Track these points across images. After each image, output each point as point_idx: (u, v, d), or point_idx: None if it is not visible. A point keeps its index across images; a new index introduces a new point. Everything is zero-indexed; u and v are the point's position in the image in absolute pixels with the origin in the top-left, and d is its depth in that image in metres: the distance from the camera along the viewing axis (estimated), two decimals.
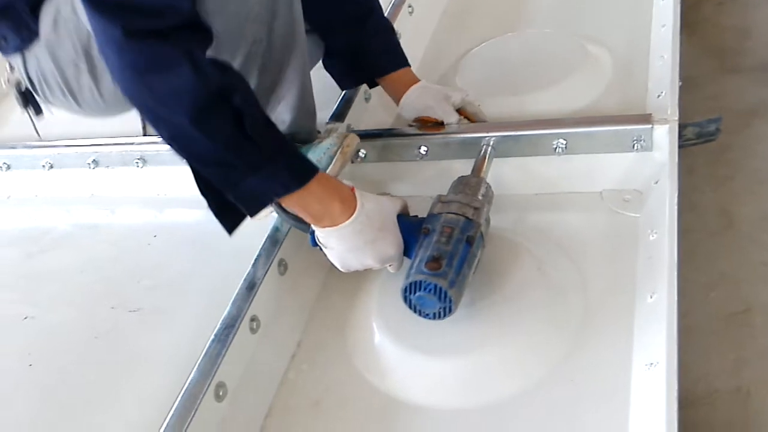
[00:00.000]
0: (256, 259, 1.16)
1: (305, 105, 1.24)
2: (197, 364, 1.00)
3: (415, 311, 1.01)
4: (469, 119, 1.34)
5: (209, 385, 0.97)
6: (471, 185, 1.14)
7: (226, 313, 1.07)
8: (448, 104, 1.31)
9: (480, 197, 1.11)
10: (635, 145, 1.19)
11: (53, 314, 1.35)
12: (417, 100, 1.33)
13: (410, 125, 1.36)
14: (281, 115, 1.22)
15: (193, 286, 1.33)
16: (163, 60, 0.92)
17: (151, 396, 1.12)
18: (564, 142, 1.22)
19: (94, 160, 1.55)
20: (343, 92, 1.48)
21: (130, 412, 1.12)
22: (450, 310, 0.99)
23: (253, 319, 1.08)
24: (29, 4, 1.17)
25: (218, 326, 1.05)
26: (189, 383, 0.97)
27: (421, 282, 0.98)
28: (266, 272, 1.13)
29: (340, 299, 1.19)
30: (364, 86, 1.48)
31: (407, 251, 1.08)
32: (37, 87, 1.27)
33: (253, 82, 1.16)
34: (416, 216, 1.13)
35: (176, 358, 1.14)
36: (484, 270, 1.08)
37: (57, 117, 1.35)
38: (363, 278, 1.20)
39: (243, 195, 0.99)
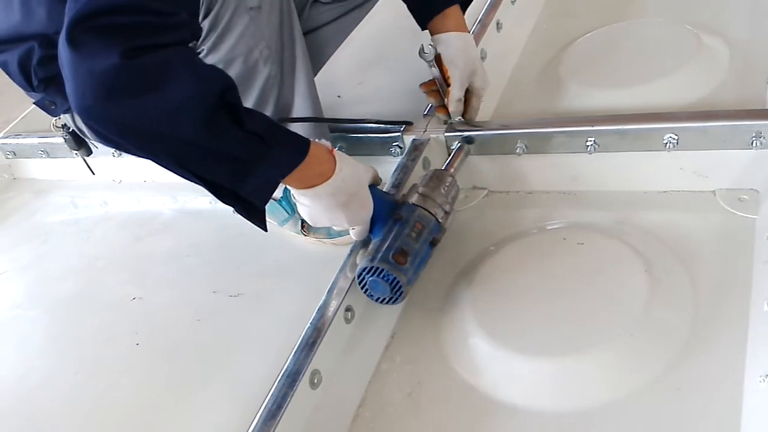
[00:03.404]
0: (351, 250, 1.17)
1: (316, 114, 1.28)
2: (294, 351, 1.02)
3: (362, 289, 1.08)
4: (467, 104, 1.31)
5: (305, 372, 0.98)
6: (446, 184, 1.18)
7: (322, 302, 1.08)
8: (468, 79, 1.29)
9: (450, 200, 1.17)
10: (753, 142, 1.11)
11: (159, 296, 1.41)
12: (451, 50, 1.28)
13: (423, 55, 1.27)
14: (296, 129, 1.23)
15: (291, 273, 1.35)
16: (164, 74, 0.88)
17: (249, 379, 1.15)
18: (675, 137, 1.15)
19: None
20: None
21: (229, 394, 1.15)
22: (396, 302, 1.08)
23: (348, 309, 1.09)
24: None
25: (314, 314, 1.06)
26: (285, 369, 0.99)
27: (383, 270, 1.05)
28: (357, 254, 1.14)
29: (434, 292, 1.18)
30: None
31: (372, 224, 1.12)
32: (88, 135, 1.36)
33: (269, 110, 1.21)
34: (388, 193, 1.18)
35: (274, 344, 1.17)
36: (588, 269, 1.05)
37: None
38: (457, 271, 1.19)
39: (255, 186, 0.99)
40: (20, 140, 1.90)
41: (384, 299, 1.09)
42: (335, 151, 1.08)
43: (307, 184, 1.05)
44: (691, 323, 0.98)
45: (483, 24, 1.60)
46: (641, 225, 1.16)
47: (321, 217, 1.10)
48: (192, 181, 0.98)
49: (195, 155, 0.94)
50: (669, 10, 1.62)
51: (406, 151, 1.35)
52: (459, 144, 1.32)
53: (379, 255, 1.07)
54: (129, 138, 0.92)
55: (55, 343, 1.41)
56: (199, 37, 1.03)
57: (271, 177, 1.00)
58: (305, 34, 1.41)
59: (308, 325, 1.05)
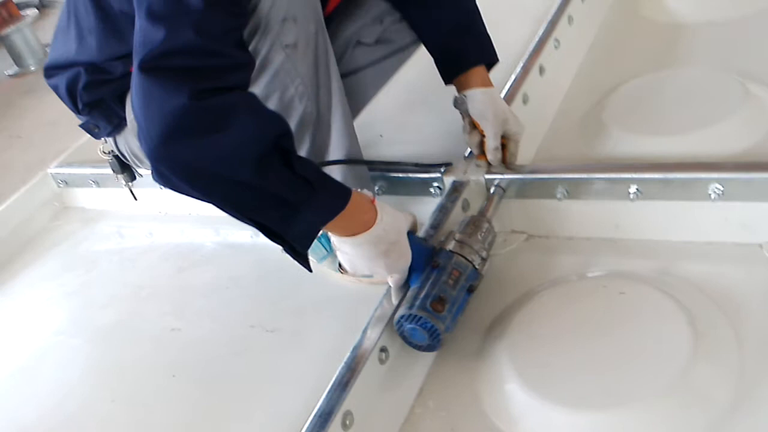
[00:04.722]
0: (387, 291, 1.17)
1: (353, 152, 1.29)
2: (327, 391, 1.01)
3: (401, 335, 1.09)
4: (505, 151, 1.33)
5: (337, 412, 0.98)
6: (482, 230, 1.18)
7: (356, 341, 1.08)
8: (501, 128, 1.32)
9: (487, 246, 1.17)
10: None
11: (198, 328, 1.43)
12: (479, 104, 1.33)
13: (458, 102, 1.35)
14: (334, 169, 1.27)
15: (328, 310, 1.36)
16: (228, 116, 0.91)
17: (282, 416, 1.15)
18: (720, 187, 1.13)
19: None
20: None
21: (261, 430, 1.15)
22: (434, 350, 1.09)
23: (383, 350, 1.08)
24: (117, 94, 1.28)
25: (349, 354, 1.06)
26: (318, 409, 0.99)
27: (422, 318, 1.05)
28: (398, 305, 1.13)
29: (470, 337, 1.17)
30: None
31: (410, 271, 1.13)
32: (129, 159, 1.41)
33: (305, 147, 1.23)
34: (424, 239, 1.20)
35: (308, 381, 1.18)
36: (628, 320, 1.03)
37: None
38: (494, 316, 1.18)
39: (298, 230, 1.01)
40: (72, 170, 1.97)
41: (422, 346, 1.09)
42: (376, 201, 1.10)
43: (348, 232, 1.07)
44: (736, 382, 0.95)
45: (526, 68, 1.60)
46: (684, 276, 1.14)
47: (361, 265, 1.11)
48: (245, 222, 1.02)
49: (247, 198, 0.97)
50: (715, 58, 1.62)
51: (445, 193, 1.36)
52: (494, 189, 1.33)
53: (417, 303, 1.07)
54: (189, 178, 0.95)
55: (94, 370, 1.44)
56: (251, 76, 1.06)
57: (314, 222, 1.02)
58: (347, 74, 1.45)
59: (342, 364, 1.05)
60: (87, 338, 1.53)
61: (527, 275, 1.26)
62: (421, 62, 1.92)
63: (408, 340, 1.09)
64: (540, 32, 1.71)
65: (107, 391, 1.36)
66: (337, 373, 1.04)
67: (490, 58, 1.38)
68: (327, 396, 1.00)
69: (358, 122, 1.57)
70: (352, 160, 1.30)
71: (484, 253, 1.16)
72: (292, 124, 1.21)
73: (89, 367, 1.45)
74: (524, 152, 1.49)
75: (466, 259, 1.13)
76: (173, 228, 1.80)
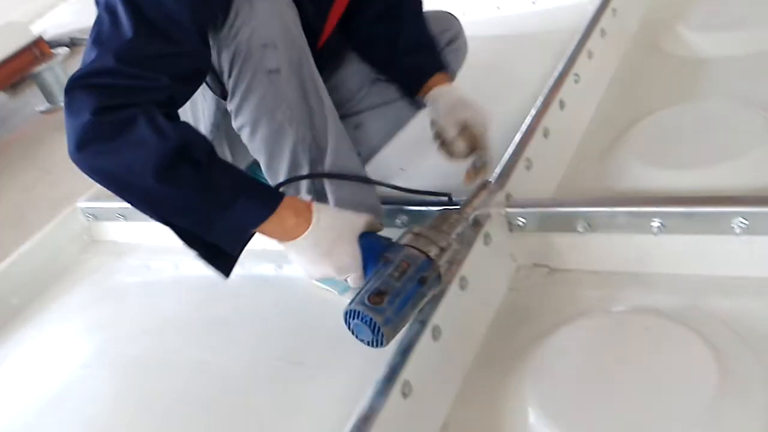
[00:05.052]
0: (410, 324, 1.18)
1: (357, 185, 1.32)
2: (350, 425, 1.02)
3: (353, 334, 1.08)
4: (473, 140, 1.35)
5: None
6: (449, 221, 1.15)
7: (380, 375, 1.09)
8: (453, 116, 1.35)
9: (453, 236, 1.12)
10: None
11: (223, 361, 1.44)
12: (434, 104, 1.39)
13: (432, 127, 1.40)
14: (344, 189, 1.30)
15: (352, 342, 1.35)
16: (127, 128, 0.99)
17: None
18: (744, 221, 1.13)
19: None
20: (503, 160, 1.47)
21: None
22: (381, 344, 1.05)
23: (405, 384, 1.09)
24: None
25: (372, 388, 1.07)
26: None
27: (359, 312, 1.04)
28: (419, 337, 1.14)
29: (492, 372, 1.17)
30: (525, 153, 1.48)
31: (365, 269, 1.13)
32: None
33: (305, 172, 1.27)
34: (388, 239, 1.16)
35: (332, 415, 1.18)
36: (653, 356, 1.02)
37: None
38: (516, 352, 1.18)
39: (220, 233, 1.08)
40: (100, 204, 2.01)
41: (369, 341, 1.07)
42: (314, 203, 1.14)
43: (287, 237, 1.11)
44: (763, 419, 0.94)
45: (546, 103, 1.61)
46: (710, 311, 1.13)
47: (311, 269, 1.15)
48: (165, 224, 1.10)
49: (160, 202, 1.05)
50: (736, 91, 1.62)
51: (466, 227, 1.36)
52: (485, 183, 1.30)
53: (356, 298, 1.07)
54: (104, 183, 1.05)
55: (121, 402, 1.45)
56: (179, 99, 1.12)
57: (240, 226, 1.08)
58: (370, 109, 1.48)
59: (365, 399, 1.05)
60: (114, 370, 1.55)
61: (550, 309, 1.26)
62: None
63: (358, 338, 1.09)
64: (560, 67, 1.72)
65: (134, 424, 1.37)
66: (361, 406, 1.04)
67: (445, 69, 1.45)
68: (351, 430, 1.01)
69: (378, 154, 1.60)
70: (352, 176, 1.31)
71: (443, 243, 1.11)
72: (287, 149, 1.25)
73: (116, 400, 1.47)
74: (545, 185, 1.51)
75: (419, 250, 1.10)
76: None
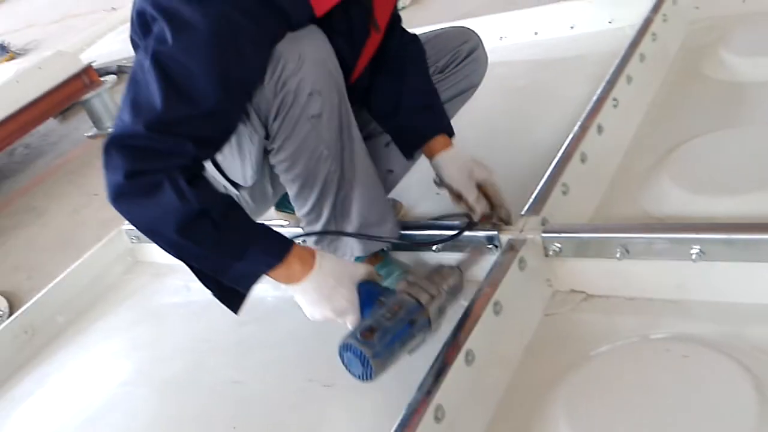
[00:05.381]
0: (443, 347, 1.17)
1: (378, 210, 1.41)
2: None
3: (346, 369, 1.15)
4: (488, 198, 1.40)
5: None
6: (442, 274, 1.23)
7: (412, 399, 1.09)
8: (471, 180, 1.41)
9: (444, 287, 1.21)
10: None
11: (257, 381, 1.46)
12: (443, 168, 1.44)
13: (436, 182, 1.46)
14: (351, 224, 1.39)
15: None
16: (153, 192, 1.12)
17: None
18: None
19: None
20: (539, 185, 1.47)
21: None
22: (370, 377, 1.12)
23: (438, 408, 1.08)
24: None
25: (404, 412, 1.07)
26: None
27: (350, 345, 1.12)
28: (453, 361, 1.14)
29: (527, 398, 1.16)
30: (562, 178, 1.47)
31: (362, 313, 1.21)
32: None
33: (330, 200, 1.36)
34: (385, 287, 1.25)
35: None
36: (692, 384, 1.00)
37: None
38: (553, 378, 1.16)
39: (234, 278, 1.20)
40: None
41: (360, 375, 1.13)
42: (318, 251, 1.24)
43: (292, 281, 1.21)
44: None
45: (584, 127, 1.61)
46: (751, 340, 1.10)
47: (312, 310, 1.24)
48: (186, 264, 1.24)
49: (183, 249, 1.18)
50: None
51: (501, 250, 1.36)
52: (477, 244, 1.38)
53: (349, 334, 1.15)
54: (138, 227, 1.19)
55: (158, 420, 1.48)
56: (204, 158, 1.23)
57: (251, 273, 1.19)
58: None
59: (397, 422, 1.05)
60: (153, 389, 1.58)
61: (587, 336, 1.25)
62: (478, 122, 1.97)
63: (350, 371, 1.15)
64: (598, 92, 1.72)
65: None
66: (393, 430, 1.04)
67: (446, 130, 1.48)
68: None
69: (415, 176, 1.60)
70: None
71: (433, 291, 1.20)
72: (319, 181, 1.34)
73: (154, 418, 1.49)
74: (582, 210, 1.49)
75: (411, 296, 1.18)
76: None
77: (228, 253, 1.17)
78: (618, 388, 1.08)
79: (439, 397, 1.09)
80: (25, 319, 1.92)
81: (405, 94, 1.48)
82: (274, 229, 1.24)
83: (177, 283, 1.96)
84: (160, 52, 1.14)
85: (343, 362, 1.15)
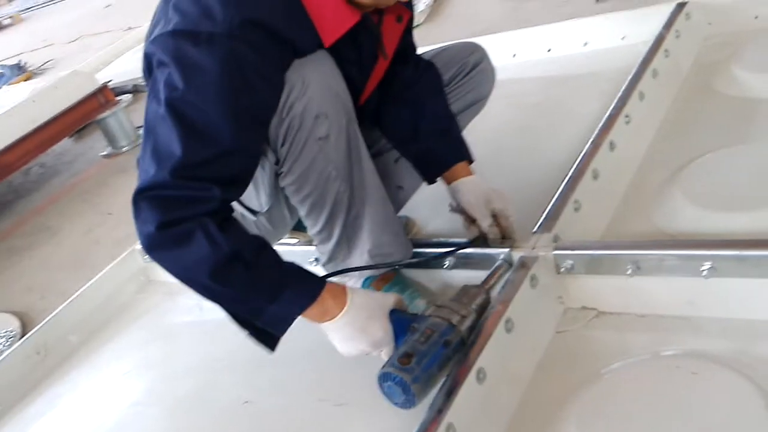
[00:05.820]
0: (455, 365, 1.17)
1: (390, 227, 1.42)
2: None
3: (388, 399, 1.15)
4: (500, 228, 1.42)
5: None
6: (469, 294, 1.26)
7: (423, 418, 1.08)
8: (486, 208, 1.42)
9: (473, 306, 1.23)
10: None
11: (268, 401, 1.46)
12: (461, 193, 1.45)
13: (452, 207, 1.48)
14: (364, 244, 1.40)
15: None
16: (185, 241, 1.14)
17: None
18: None
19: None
20: (551, 202, 1.47)
21: None
22: (413, 403, 1.12)
23: (449, 427, 1.08)
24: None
25: (415, 430, 1.06)
26: None
27: (389, 374, 1.13)
28: (464, 379, 1.13)
29: (540, 413, 1.15)
30: (574, 194, 1.47)
31: (396, 342, 1.22)
32: None
33: (341, 219, 1.37)
34: (415, 313, 1.27)
35: None
36: (702, 402, 0.99)
37: None
38: (564, 394, 1.16)
39: (268, 321, 1.20)
40: None
41: (404, 402, 1.14)
42: (348, 286, 1.25)
43: (325, 317, 1.22)
44: None
45: (596, 144, 1.61)
46: (762, 357, 1.09)
47: (348, 346, 1.24)
48: (224, 309, 1.23)
49: (218, 294, 1.20)
50: None
51: (513, 268, 1.36)
52: (500, 263, 1.37)
53: (387, 362, 1.16)
54: (173, 274, 1.19)
55: None
56: (232, 199, 1.24)
57: (286, 314, 1.20)
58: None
59: None
60: (163, 409, 1.59)
61: (598, 352, 1.24)
62: (491, 139, 1.97)
63: (393, 401, 1.15)
64: (610, 108, 1.72)
65: None
66: None
67: (467, 157, 1.50)
68: None
69: (427, 191, 1.61)
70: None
71: (463, 311, 1.22)
72: (329, 201, 1.35)
73: None
74: (594, 227, 1.49)
75: (442, 318, 1.20)
76: None
77: (261, 297, 1.18)
78: (629, 406, 1.08)
79: (451, 415, 1.08)
80: (38, 339, 1.93)
81: (424, 119, 1.49)
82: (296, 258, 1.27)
83: (189, 302, 1.96)
84: (173, 98, 1.16)
85: (383, 392, 1.16)
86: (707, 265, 1.17)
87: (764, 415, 0.96)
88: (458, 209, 1.47)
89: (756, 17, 2.03)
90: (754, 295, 1.16)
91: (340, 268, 1.41)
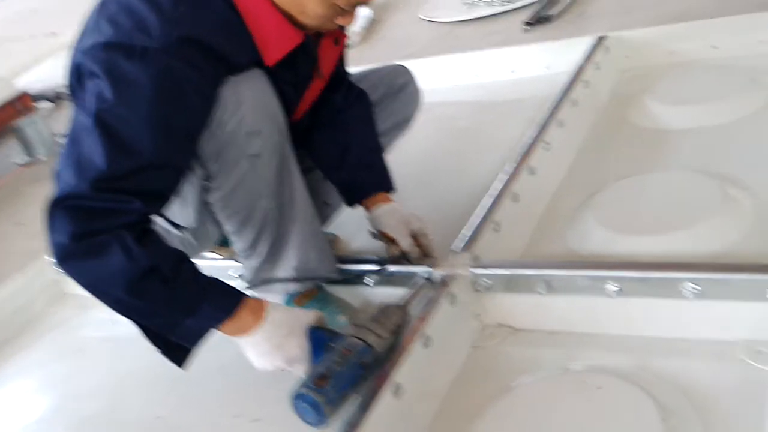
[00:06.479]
0: (370, 381, 1.17)
1: (316, 244, 1.43)
2: None
3: (299, 416, 1.16)
4: (420, 246, 1.46)
5: None
6: (388, 314, 1.27)
7: None
8: (406, 229, 1.46)
9: (391, 326, 1.25)
10: None
11: (181, 417, 1.42)
12: (381, 218, 1.50)
13: (373, 234, 1.52)
14: (290, 261, 1.40)
15: None
16: (100, 253, 1.12)
17: None
18: (696, 287, 1.16)
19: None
20: (472, 223, 1.50)
21: None
22: (325, 423, 1.14)
23: None
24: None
25: None
26: None
27: (304, 395, 1.14)
28: (379, 395, 1.14)
29: (454, 425, 1.17)
30: (494, 216, 1.51)
31: (312, 359, 1.23)
32: None
33: (269, 237, 1.37)
34: (333, 331, 1.28)
35: None
36: (604, 415, 1.03)
37: None
38: (475, 408, 1.18)
39: (182, 335, 1.20)
40: None
41: (314, 422, 1.15)
42: (268, 302, 1.24)
43: (241, 332, 1.22)
44: None
45: (516, 168, 1.65)
46: (661, 372, 1.15)
47: (262, 360, 1.24)
48: (134, 323, 1.22)
49: (131, 308, 1.18)
50: (696, 162, 1.66)
51: (433, 286, 1.38)
52: (421, 281, 1.39)
53: (303, 382, 1.17)
54: (84, 287, 1.17)
55: None
56: (153, 213, 1.22)
57: (201, 327, 1.20)
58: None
59: None
60: (68, 427, 1.52)
61: (510, 368, 1.27)
62: (419, 161, 2.00)
63: (305, 420, 1.16)
64: (531, 134, 1.77)
65: None
66: None
67: (388, 188, 1.55)
68: None
69: (352, 210, 1.61)
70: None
71: (380, 331, 1.23)
72: (258, 219, 1.34)
73: None
74: (513, 247, 1.53)
75: (360, 339, 1.21)
76: None
77: (178, 310, 1.17)
78: (535, 419, 1.11)
79: (366, 430, 1.08)
80: None
81: (350, 150, 1.53)
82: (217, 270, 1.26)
83: (102, 315, 1.88)
84: (102, 110, 1.14)
85: (296, 411, 1.17)
86: (613, 285, 1.22)
87: (660, 428, 1.00)
88: (378, 235, 1.50)
89: (671, 53, 2.14)
90: (656, 313, 1.22)
91: (262, 288, 1.40)
